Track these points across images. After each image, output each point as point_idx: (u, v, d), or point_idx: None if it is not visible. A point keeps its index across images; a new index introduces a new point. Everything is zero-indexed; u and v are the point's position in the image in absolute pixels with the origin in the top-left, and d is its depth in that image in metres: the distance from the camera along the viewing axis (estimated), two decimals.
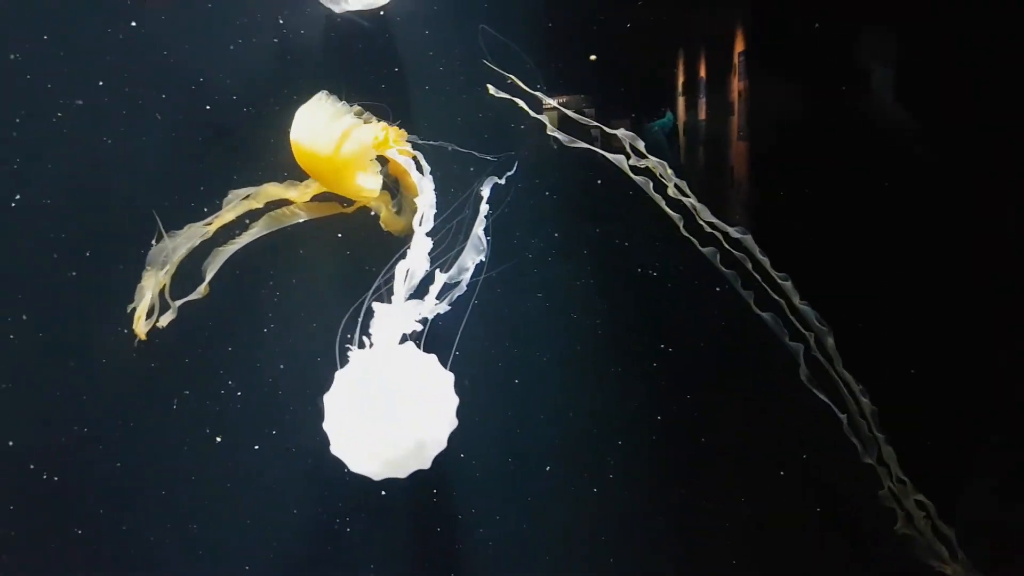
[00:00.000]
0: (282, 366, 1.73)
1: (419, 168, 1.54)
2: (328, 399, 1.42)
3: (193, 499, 1.75)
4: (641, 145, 1.56)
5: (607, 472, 1.78)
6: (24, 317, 1.65)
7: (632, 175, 1.56)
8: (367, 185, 1.52)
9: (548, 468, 1.78)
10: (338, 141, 1.46)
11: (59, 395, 1.69)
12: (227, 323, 1.69)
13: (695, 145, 1.74)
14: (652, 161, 1.56)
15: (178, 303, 1.57)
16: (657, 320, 1.74)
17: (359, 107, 1.52)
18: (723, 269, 1.55)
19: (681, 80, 1.74)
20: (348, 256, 1.69)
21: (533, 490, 1.80)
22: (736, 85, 1.70)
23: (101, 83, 1.61)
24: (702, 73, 1.73)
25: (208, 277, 1.58)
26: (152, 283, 1.55)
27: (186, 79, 1.63)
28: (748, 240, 1.54)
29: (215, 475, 1.74)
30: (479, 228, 1.52)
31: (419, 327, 1.45)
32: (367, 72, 1.65)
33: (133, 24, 1.59)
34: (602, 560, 1.80)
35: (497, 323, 1.71)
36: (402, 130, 1.55)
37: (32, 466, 1.69)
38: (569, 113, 1.62)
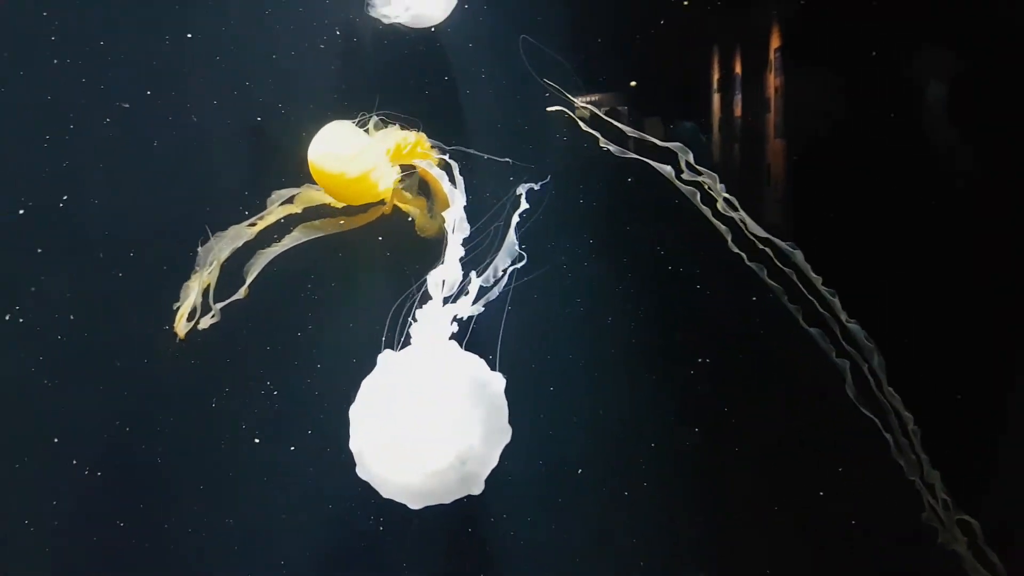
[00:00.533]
0: (319, 366, 1.75)
1: (451, 177, 1.55)
2: (354, 411, 1.38)
3: (230, 495, 1.77)
4: (691, 157, 1.56)
5: (639, 477, 1.78)
6: (71, 317, 1.68)
7: (681, 185, 1.56)
8: (383, 185, 1.54)
9: (580, 471, 1.79)
10: (348, 163, 1.48)
11: (103, 392, 1.72)
12: (266, 324, 1.72)
13: (731, 143, 1.73)
14: (704, 175, 1.55)
15: (219, 306, 1.60)
16: (693, 327, 1.73)
17: (378, 118, 1.53)
18: (771, 283, 1.54)
19: (716, 77, 1.72)
20: (387, 258, 1.71)
21: (564, 493, 1.80)
22: (772, 82, 1.69)
23: (149, 92, 1.64)
24: (737, 70, 1.72)
25: (249, 279, 1.60)
26: (198, 283, 1.58)
27: (233, 86, 1.66)
28: (798, 256, 1.53)
29: (252, 472, 1.77)
30: (513, 233, 1.52)
31: (454, 330, 1.46)
32: (411, 81, 1.67)
33: (189, 36, 1.62)
34: (632, 564, 1.80)
35: (531, 327, 1.71)
36: (421, 134, 1.56)
37: (75, 461, 1.72)
38: (623, 127, 1.61)
